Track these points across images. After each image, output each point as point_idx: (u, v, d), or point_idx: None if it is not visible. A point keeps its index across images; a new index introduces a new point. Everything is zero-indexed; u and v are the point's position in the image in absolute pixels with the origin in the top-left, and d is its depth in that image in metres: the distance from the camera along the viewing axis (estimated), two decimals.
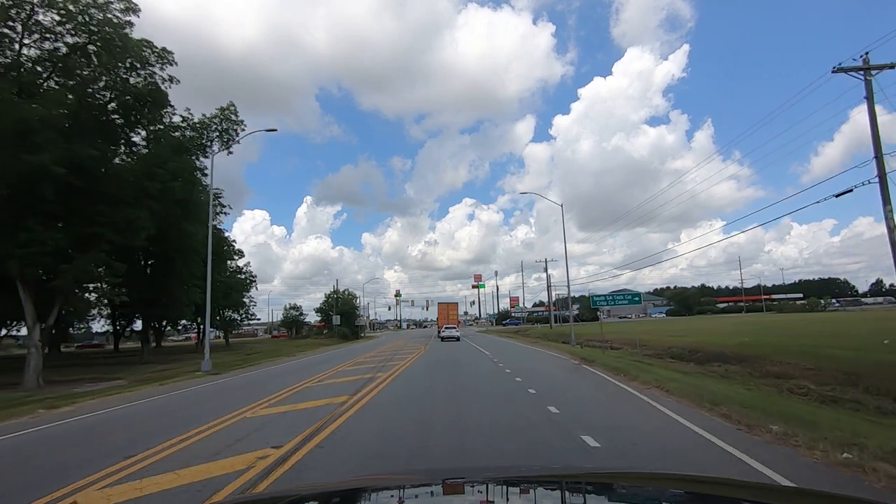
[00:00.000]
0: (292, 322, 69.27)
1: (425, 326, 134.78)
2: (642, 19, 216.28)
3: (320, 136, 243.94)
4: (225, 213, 53.66)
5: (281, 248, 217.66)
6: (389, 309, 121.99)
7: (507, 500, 1.87)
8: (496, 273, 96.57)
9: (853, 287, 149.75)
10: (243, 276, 58.74)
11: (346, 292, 72.56)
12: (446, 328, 47.90)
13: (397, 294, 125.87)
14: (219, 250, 49.69)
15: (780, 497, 1.91)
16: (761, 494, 1.89)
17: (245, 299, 59.43)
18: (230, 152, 33.40)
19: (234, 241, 57.08)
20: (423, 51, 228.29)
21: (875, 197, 13.19)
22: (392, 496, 1.93)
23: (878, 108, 13.69)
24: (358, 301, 72.63)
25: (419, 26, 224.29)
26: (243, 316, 58.94)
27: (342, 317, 65.28)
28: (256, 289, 60.01)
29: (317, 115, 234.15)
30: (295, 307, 70.08)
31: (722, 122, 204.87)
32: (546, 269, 62.16)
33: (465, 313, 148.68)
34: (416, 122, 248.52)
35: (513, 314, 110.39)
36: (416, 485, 2.11)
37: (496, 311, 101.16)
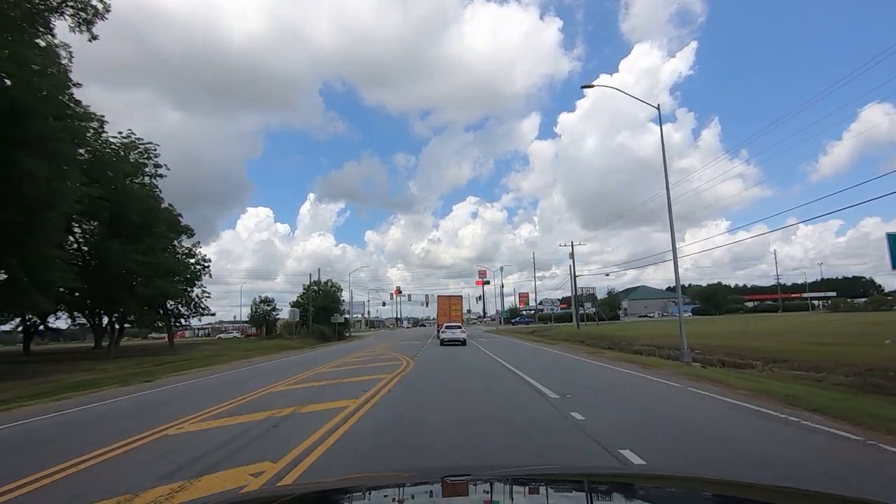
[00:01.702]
0: (262, 319, 55.79)
1: (423, 325, 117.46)
2: (652, 13, 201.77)
3: (323, 132, 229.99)
4: (160, 176, 40.68)
5: (284, 245, 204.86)
6: (384, 304, 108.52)
7: (512, 499, 1.70)
8: (501, 269, 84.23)
9: (878, 286, 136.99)
10: (193, 261, 45.30)
11: (329, 284, 59.06)
12: (447, 327, 34.67)
13: (398, 290, 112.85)
14: (148, 218, 36.45)
15: (785, 499, 1.70)
16: (768, 496, 1.70)
17: (197, 290, 46.10)
18: (93, 37, 19.84)
19: (179, 214, 43.67)
20: (429, 46, 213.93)
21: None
22: (395, 495, 1.79)
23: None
24: (342, 294, 59.11)
25: (425, 20, 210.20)
26: (191, 311, 45.46)
27: (324, 312, 51.84)
28: (210, 276, 46.60)
29: (320, 111, 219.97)
30: (266, 300, 56.65)
31: (729, 120, 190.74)
32: (572, 255, 48.57)
33: (469, 311, 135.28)
34: (420, 118, 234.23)
35: (522, 312, 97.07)
36: (419, 483, 1.96)
37: (503, 309, 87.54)
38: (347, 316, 63.67)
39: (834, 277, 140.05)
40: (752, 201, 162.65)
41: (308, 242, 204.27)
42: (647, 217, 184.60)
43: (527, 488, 1.80)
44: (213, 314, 47.04)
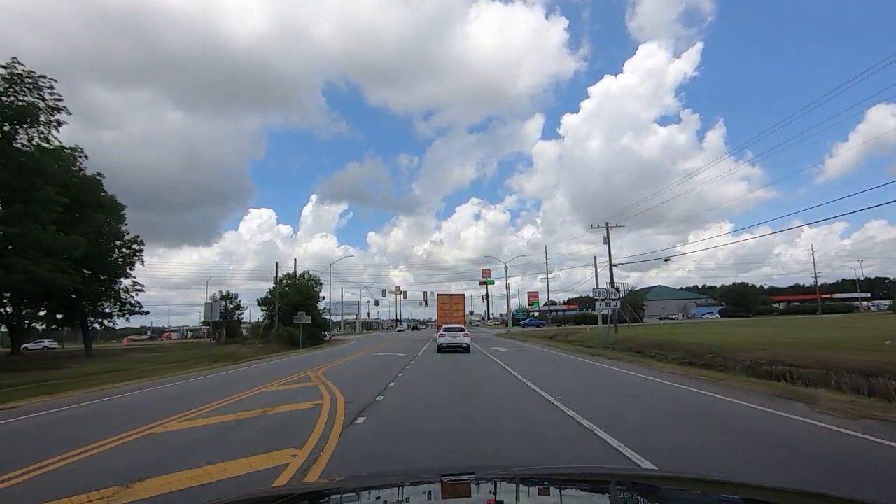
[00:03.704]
0: (221, 319, 43.95)
1: (418, 328, 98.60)
2: (659, 12, 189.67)
3: (326, 132, 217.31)
4: (57, 124, 29.14)
5: (287, 246, 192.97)
6: (377, 303, 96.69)
7: (517, 500, 1.56)
8: (506, 268, 73.74)
9: None
10: (119, 244, 33.70)
11: (306, 277, 47.26)
12: (447, 330, 26.16)
13: (397, 290, 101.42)
14: (31, 177, 24.99)
15: (791, 501, 1.57)
16: (775, 497, 1.59)
17: (126, 282, 34.48)
18: None
19: (101, 180, 32.07)
20: (433, 45, 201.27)
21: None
22: (397, 495, 1.64)
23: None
24: (321, 290, 47.19)
25: (429, 19, 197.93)
26: (116, 311, 33.75)
27: (298, 312, 40.07)
28: (143, 264, 34.97)
29: (323, 111, 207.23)
30: (227, 297, 44.73)
31: (734, 122, 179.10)
32: (607, 238, 36.88)
33: (472, 313, 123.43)
34: (423, 118, 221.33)
35: (533, 313, 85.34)
36: (421, 482, 1.81)
37: (513, 310, 75.76)
38: (328, 316, 51.75)
39: (853, 279, 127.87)
40: (756, 203, 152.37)
41: (310, 244, 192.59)
42: (650, 219, 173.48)
43: (532, 488, 1.66)
44: (147, 312, 35.51)
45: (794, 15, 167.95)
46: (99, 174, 33.27)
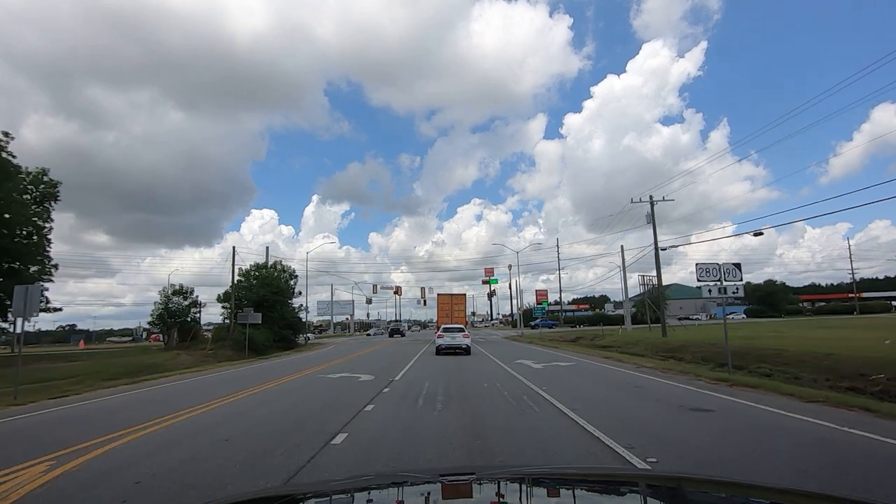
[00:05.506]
0: (173, 319, 35.26)
1: (402, 333, 64.86)
2: (665, 9, 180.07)
3: (328, 132, 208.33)
4: None
5: (288, 247, 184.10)
6: (370, 302, 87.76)
7: (519, 500, 1.53)
8: (510, 267, 66.37)
9: None
10: (28, 234, 25.10)
11: (278, 268, 38.52)
12: (445, 330, 23.66)
13: (397, 290, 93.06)
14: None
15: (790, 500, 1.52)
16: (773, 496, 1.54)
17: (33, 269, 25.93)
18: None
19: (11, 138, 23.58)
20: (436, 44, 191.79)
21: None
22: (398, 496, 1.58)
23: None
24: (295, 283, 38.35)
25: (432, 18, 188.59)
26: (9, 307, 25.35)
27: (263, 309, 31.43)
28: (49, 245, 26.32)
29: (325, 111, 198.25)
30: (181, 291, 35.97)
31: (738, 121, 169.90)
32: (653, 220, 28.21)
33: (473, 313, 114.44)
34: (426, 118, 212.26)
35: (542, 313, 76.41)
36: (422, 482, 1.73)
37: (519, 309, 66.76)
38: (304, 315, 43.01)
39: (876, 278, 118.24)
40: (759, 203, 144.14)
41: (312, 244, 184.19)
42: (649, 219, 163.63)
43: (534, 488, 1.61)
44: (59, 309, 26.90)
45: (800, 14, 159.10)
46: (5, 133, 24.90)
